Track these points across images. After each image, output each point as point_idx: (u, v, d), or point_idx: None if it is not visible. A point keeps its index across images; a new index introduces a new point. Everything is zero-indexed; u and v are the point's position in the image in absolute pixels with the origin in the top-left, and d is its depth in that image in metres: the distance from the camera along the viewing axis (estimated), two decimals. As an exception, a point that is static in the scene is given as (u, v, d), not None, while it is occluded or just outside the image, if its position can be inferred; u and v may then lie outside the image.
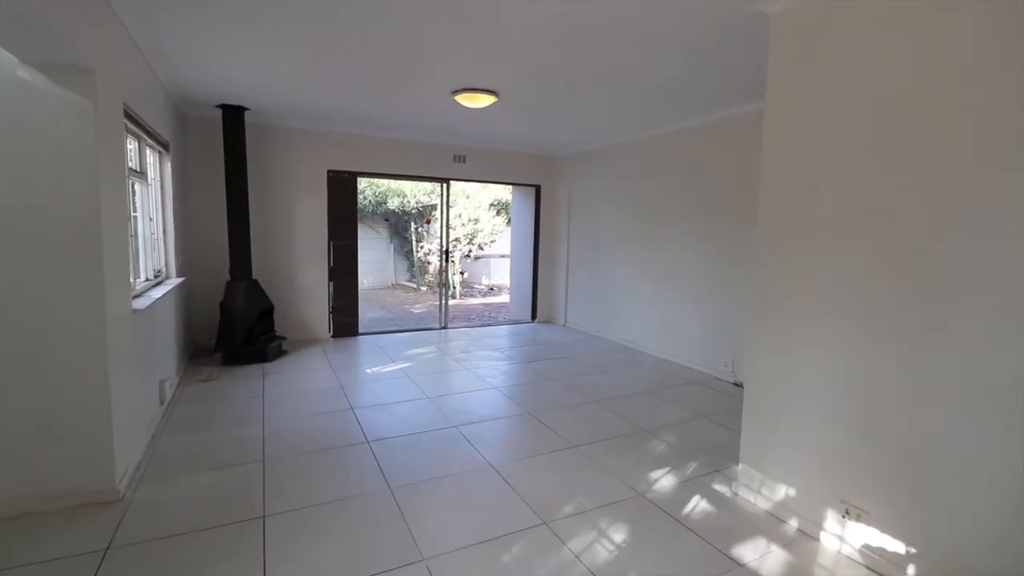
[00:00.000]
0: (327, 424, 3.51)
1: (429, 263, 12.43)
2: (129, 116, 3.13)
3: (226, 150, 4.97)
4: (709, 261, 4.97)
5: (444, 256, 7.08)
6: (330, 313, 6.12)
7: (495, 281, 13.62)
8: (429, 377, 4.65)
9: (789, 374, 2.45)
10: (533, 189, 7.44)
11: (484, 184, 11.88)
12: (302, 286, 5.92)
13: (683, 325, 5.29)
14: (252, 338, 5.00)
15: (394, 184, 11.91)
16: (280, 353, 5.25)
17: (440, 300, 7.02)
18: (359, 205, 11.85)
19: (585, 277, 6.84)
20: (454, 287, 11.20)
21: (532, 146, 6.83)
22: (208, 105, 4.93)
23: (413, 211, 12.12)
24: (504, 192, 12.12)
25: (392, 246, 13.40)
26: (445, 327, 6.93)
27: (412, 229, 12.62)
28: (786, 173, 2.45)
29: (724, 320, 4.82)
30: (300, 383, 4.39)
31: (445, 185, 6.82)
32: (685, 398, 4.26)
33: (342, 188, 6.07)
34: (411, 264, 13.30)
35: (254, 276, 5.29)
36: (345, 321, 6.22)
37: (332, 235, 6.05)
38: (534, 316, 7.58)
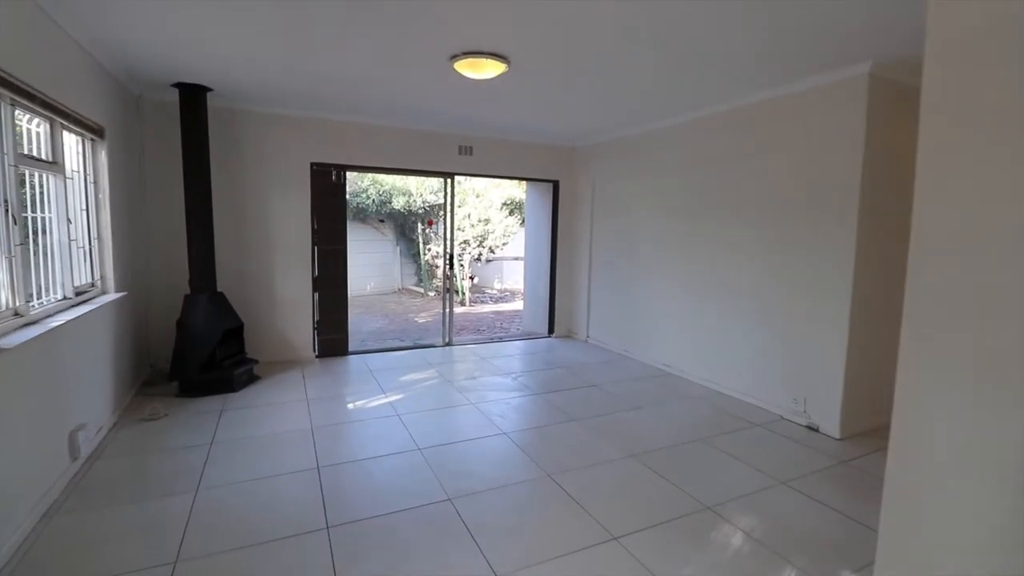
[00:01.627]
0: (281, 494, 2.64)
1: (437, 267, 11.58)
2: (12, 86, 2.30)
3: (184, 138, 4.14)
4: (774, 271, 4.00)
5: (449, 261, 6.19)
6: (314, 330, 5.27)
7: (508, 285, 12.72)
8: (424, 416, 3.76)
9: (971, 447, 1.50)
10: (550, 185, 6.52)
11: (495, 181, 11.00)
12: (281, 299, 5.08)
13: (737, 348, 4.33)
14: (215, 363, 4.16)
15: (399, 182, 11.08)
16: (250, 380, 4.41)
17: (444, 310, 6.13)
18: (362, 205, 11.07)
19: (611, 286, 5.90)
20: (463, 293, 10.32)
21: (550, 135, 5.91)
22: (163, 85, 4.11)
23: (420, 211, 11.27)
24: (517, 190, 11.21)
25: (399, 249, 12.59)
26: (449, 343, 6.04)
27: (419, 230, 11.78)
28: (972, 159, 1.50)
29: (793, 345, 3.85)
30: (263, 424, 3.53)
31: (449, 181, 5.94)
32: (750, 449, 3.31)
33: (328, 184, 5.22)
34: (418, 268, 12.47)
35: (219, 288, 4.46)
36: (332, 339, 5.36)
37: (317, 239, 5.20)
38: (551, 330, 6.66)
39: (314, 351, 5.28)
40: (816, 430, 3.67)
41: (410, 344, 6.17)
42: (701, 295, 4.66)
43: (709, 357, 4.59)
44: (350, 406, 3.93)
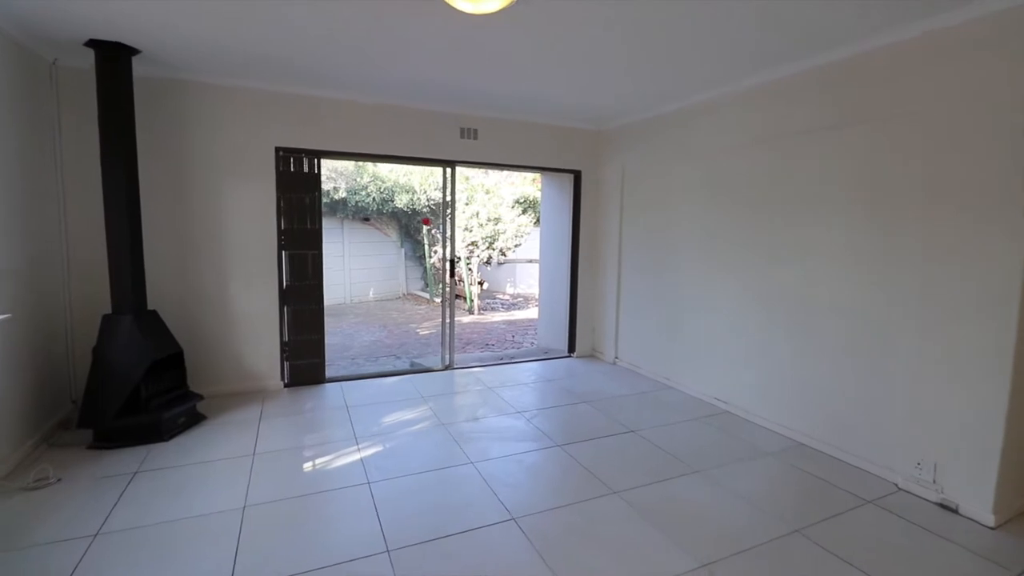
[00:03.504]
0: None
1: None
2: None
3: (102, 113, 3.21)
4: (876, 287, 2.91)
5: (450, 267, 5.20)
6: (282, 353, 4.30)
7: (521, 290, 11.70)
8: (404, 486, 2.74)
9: None
10: (570, 176, 5.48)
11: (507, 176, 9.97)
12: (238, 316, 4.12)
13: (823, 385, 3.25)
14: (139, 403, 3.21)
15: (402, 179, 10.12)
16: (189, 423, 3.45)
17: (444, 325, 5.12)
18: (361, 204, 10.12)
19: (646, 298, 4.84)
20: (471, 300, 9.32)
21: (570, 114, 4.87)
22: (76, 45, 3.17)
23: (424, 209, 10.29)
24: (531, 187, 10.17)
25: (403, 251, 11.65)
26: (450, 366, 5.03)
27: (424, 231, 10.81)
28: None
29: (915, 387, 2.76)
30: (180, 500, 2.55)
31: (450, 171, 4.94)
32: (867, 545, 2.25)
33: (299, 174, 4.25)
34: (424, 271, 11.51)
35: (152, 305, 3.52)
36: (305, 364, 4.39)
37: (285, 241, 4.24)
38: (571, 348, 5.61)
39: (282, 379, 4.31)
40: (954, 511, 2.58)
41: (403, 368, 5.18)
42: (769, 313, 3.58)
43: (782, 394, 3.51)
44: (307, 467, 2.94)
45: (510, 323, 8.47)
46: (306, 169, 4.27)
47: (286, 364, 4.31)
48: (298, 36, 2.99)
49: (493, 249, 9.32)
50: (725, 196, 3.93)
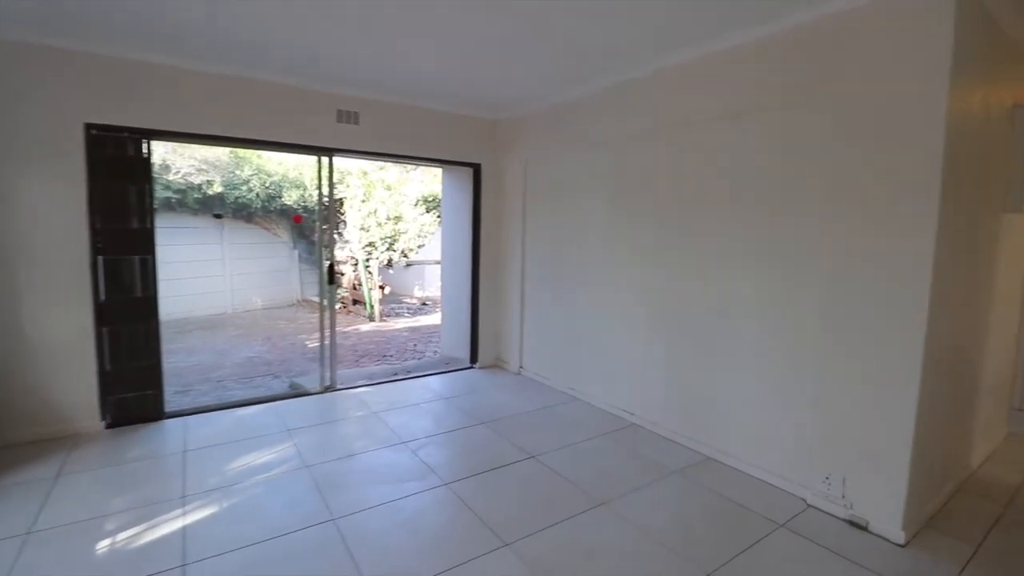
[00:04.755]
0: None
1: (343, 274, 9.70)
2: None
3: None
4: (783, 294, 2.72)
5: (329, 272, 4.53)
6: (101, 385, 3.40)
7: (430, 293, 11.06)
8: (235, 566, 2.10)
9: None
10: (469, 170, 5.00)
11: (409, 169, 9.31)
12: (38, 340, 3.18)
13: (733, 395, 3.03)
14: None
15: (291, 172, 9.10)
16: (-60, 493, 2.53)
17: (323, 341, 4.43)
18: (243, 200, 8.95)
19: (551, 303, 4.48)
20: (371, 307, 8.55)
21: (467, 99, 4.39)
22: None
23: (317, 207, 9.33)
24: (438, 184, 9.58)
25: (296, 253, 10.55)
26: (331, 387, 4.35)
27: (319, 231, 9.84)
28: None
29: (820, 396, 2.58)
30: None
31: (326, 160, 4.26)
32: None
33: (121, 159, 3.37)
34: (321, 275, 10.49)
35: None
36: (134, 397, 3.51)
37: (101, 244, 3.34)
38: (474, 358, 5.13)
39: (101, 417, 3.41)
40: (864, 528, 2.42)
41: (274, 392, 4.41)
42: (675, 319, 3.33)
43: (692, 406, 3.27)
44: (102, 547, 2.18)
45: (414, 330, 7.84)
46: (131, 153, 3.40)
47: (106, 398, 3.41)
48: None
49: (393, 251, 8.60)
50: (631, 193, 3.64)
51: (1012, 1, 2.44)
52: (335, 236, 9.66)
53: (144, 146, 3.45)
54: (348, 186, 8.46)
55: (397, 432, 3.41)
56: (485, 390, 4.38)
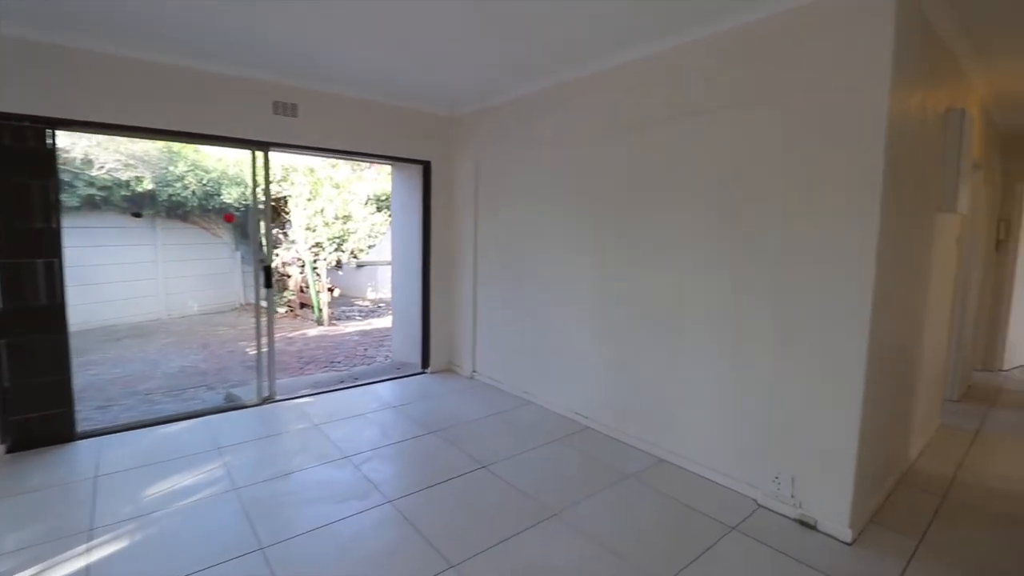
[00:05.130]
0: None
1: (288, 276, 9.26)
2: None
3: None
4: (733, 294, 2.71)
5: (265, 274, 4.25)
6: (2, 404, 3.02)
7: (383, 294, 10.73)
8: (145, 601, 1.86)
9: None
10: (419, 168, 4.81)
11: (362, 167, 8.98)
12: (-86, 356, 2.78)
13: (686, 395, 3.00)
14: None
15: (232, 167, 8.58)
16: None
17: (259, 347, 4.14)
18: (177, 199, 8.36)
19: (504, 304, 4.36)
20: (319, 311, 8.18)
21: (417, 92, 4.21)
22: None
23: (263, 205, 8.84)
24: (388, 179, 9.29)
25: (239, 254, 9.99)
26: (270, 399, 4.07)
27: (261, 230, 9.33)
28: None
29: (768, 397, 2.58)
30: None
31: (261, 155, 3.98)
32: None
33: (17, 151, 3.01)
34: (256, 278, 9.97)
35: None
36: (38, 418, 3.13)
37: (-3, 246, 2.97)
38: (426, 363, 4.95)
39: (0, 442, 3.03)
40: (813, 527, 2.42)
41: (206, 406, 4.08)
42: (628, 320, 3.28)
43: (644, 407, 3.22)
44: (-19, 597, 1.90)
45: (365, 334, 7.55)
46: (32, 144, 3.04)
47: (9, 421, 3.03)
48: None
49: (342, 251, 8.26)
50: (584, 194, 3.57)
51: (949, 9, 2.50)
52: (281, 236, 9.22)
53: (49, 137, 3.09)
54: (293, 183, 8.05)
55: (340, 446, 3.20)
56: (436, 396, 4.21)
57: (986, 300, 5.03)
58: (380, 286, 10.89)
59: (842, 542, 2.31)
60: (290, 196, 8.10)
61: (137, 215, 7.83)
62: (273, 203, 8.70)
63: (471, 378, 4.69)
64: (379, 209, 8.87)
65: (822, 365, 2.37)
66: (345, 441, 3.27)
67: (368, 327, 8.05)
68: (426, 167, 4.78)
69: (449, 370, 4.97)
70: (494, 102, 4.22)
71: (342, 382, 4.66)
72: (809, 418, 2.43)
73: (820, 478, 2.41)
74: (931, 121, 2.68)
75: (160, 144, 7.81)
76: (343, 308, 9.68)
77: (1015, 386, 4.87)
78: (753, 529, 2.40)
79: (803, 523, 2.46)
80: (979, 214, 4.26)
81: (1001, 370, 5.32)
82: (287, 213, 8.46)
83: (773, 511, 2.55)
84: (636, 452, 3.17)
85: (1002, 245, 5.18)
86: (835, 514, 2.36)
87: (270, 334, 4.12)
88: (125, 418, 3.77)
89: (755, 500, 2.64)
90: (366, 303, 10.53)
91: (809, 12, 2.35)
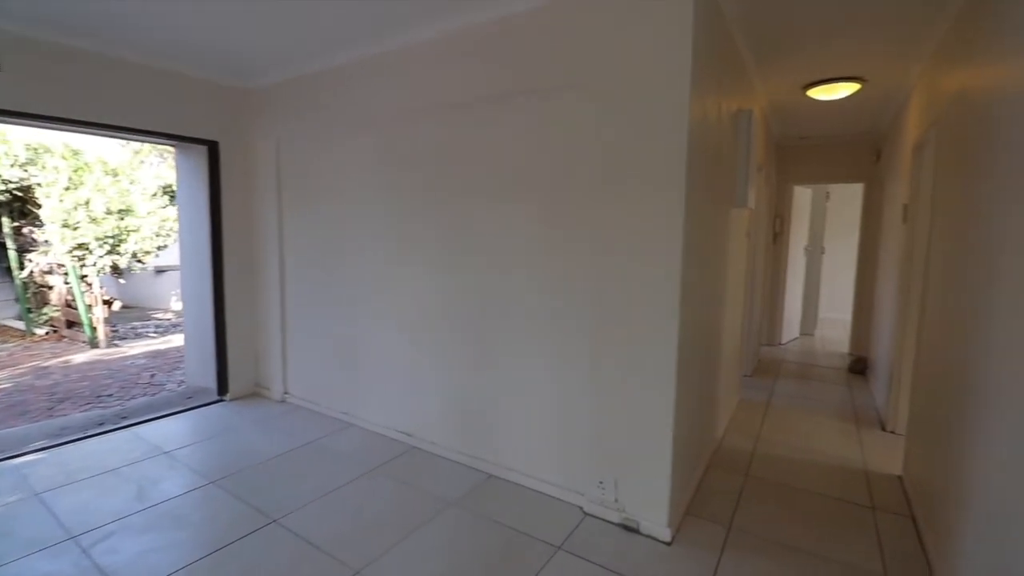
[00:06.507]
0: None
1: (50, 287, 7.27)
2: None
3: None
4: (551, 293, 2.54)
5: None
6: None
7: (192, 305, 9.04)
8: None
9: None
10: (203, 149, 3.92)
11: (146, 149, 7.39)
12: None
13: (502, 405, 2.77)
14: None
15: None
16: None
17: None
18: None
19: (318, 313, 3.75)
20: (92, 330, 6.52)
21: (194, 53, 3.35)
22: None
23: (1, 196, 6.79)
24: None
25: (-29, 260, 7.58)
26: (-28, 462, 2.92)
27: (7, 230, 7.17)
28: None
29: (589, 400, 2.45)
30: None
31: (-66, 122, 2.80)
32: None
33: None
34: (21, 292, 7.73)
35: None
36: None
37: None
38: (223, 388, 4.08)
39: None
40: (636, 530, 2.35)
41: None
42: (451, 322, 2.96)
43: (470, 419, 2.93)
44: None
45: (157, 355, 6.18)
46: None
47: None
48: None
49: (119, 254, 6.68)
50: (400, 183, 3.15)
51: (745, 18, 2.60)
52: (33, 237, 7.17)
53: None
54: (44, 168, 6.26)
55: (66, 522, 2.34)
56: (232, 431, 3.45)
57: (766, 285, 5.81)
58: (187, 294, 9.19)
59: (662, 542, 2.26)
60: (39, 184, 6.28)
61: None
62: (13, 193, 6.70)
63: (283, 402, 3.98)
64: (173, 201, 7.40)
65: (636, 359, 2.28)
66: (76, 514, 2.41)
67: (164, 346, 6.64)
68: (212, 148, 3.91)
69: (256, 394, 4.17)
70: (300, 72, 3.55)
71: (101, 424, 3.60)
72: (627, 416, 2.34)
73: (639, 478, 2.34)
74: (725, 120, 2.79)
75: None
76: (134, 324, 7.93)
77: (792, 357, 5.69)
78: (578, 545, 2.24)
79: (627, 527, 2.37)
80: (760, 210, 4.81)
81: (780, 344, 6.21)
82: (37, 206, 6.57)
83: (599, 518, 2.43)
84: (464, 470, 2.86)
85: (778, 237, 6.03)
86: (654, 514, 2.30)
87: (-35, 373, 2.95)
88: None
89: (582, 508, 2.50)
90: (168, 316, 8.80)
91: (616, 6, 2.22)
